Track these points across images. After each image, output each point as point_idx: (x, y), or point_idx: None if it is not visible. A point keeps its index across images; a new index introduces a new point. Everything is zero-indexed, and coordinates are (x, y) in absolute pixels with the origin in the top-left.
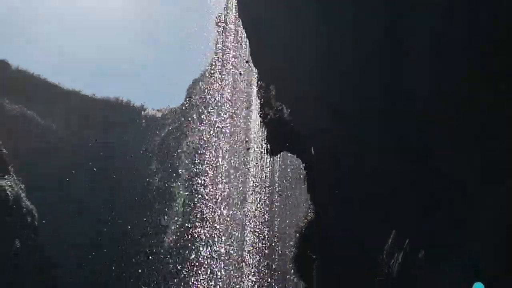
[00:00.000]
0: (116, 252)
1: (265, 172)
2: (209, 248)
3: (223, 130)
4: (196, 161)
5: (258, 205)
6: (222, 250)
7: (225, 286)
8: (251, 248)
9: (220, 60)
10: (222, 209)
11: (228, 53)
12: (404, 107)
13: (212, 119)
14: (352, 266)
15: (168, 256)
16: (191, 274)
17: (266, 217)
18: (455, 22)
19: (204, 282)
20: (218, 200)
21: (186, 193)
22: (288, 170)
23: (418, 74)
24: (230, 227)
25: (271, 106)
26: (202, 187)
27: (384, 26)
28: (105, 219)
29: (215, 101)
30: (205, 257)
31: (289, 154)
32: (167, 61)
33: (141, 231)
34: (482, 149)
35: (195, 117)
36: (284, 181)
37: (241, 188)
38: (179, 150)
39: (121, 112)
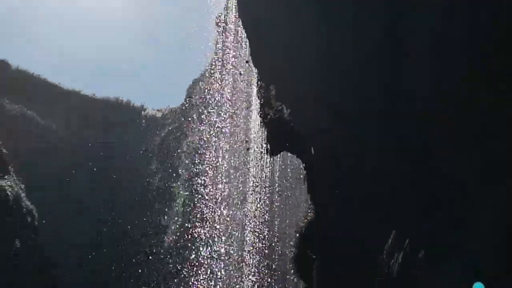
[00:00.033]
0: (116, 252)
1: (265, 172)
2: (209, 248)
3: (223, 130)
4: (196, 161)
5: (258, 205)
6: (222, 250)
7: (225, 286)
8: (251, 248)
9: (220, 60)
10: (222, 209)
11: (228, 53)
12: (404, 107)
13: (212, 119)
14: (352, 266)
15: (168, 256)
16: (191, 274)
17: (266, 217)
18: (455, 22)
19: (204, 282)
20: (218, 200)
21: (186, 193)
22: (288, 170)
23: (418, 74)
24: (230, 227)
25: (271, 106)
26: (202, 187)
27: (384, 26)
28: (105, 219)
29: (215, 101)
30: (205, 257)
31: (289, 154)
32: (167, 61)
33: (141, 231)
34: (482, 149)
35: (195, 117)
36: (284, 181)
37: (241, 188)
38: (179, 150)
39: (121, 112)
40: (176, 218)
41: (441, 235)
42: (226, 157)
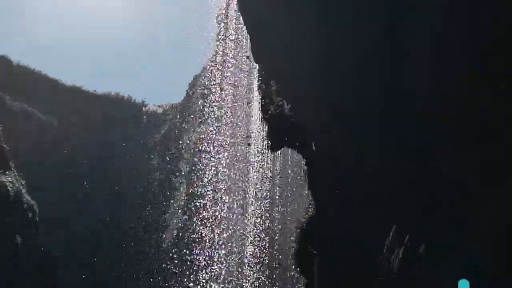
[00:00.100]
0: (116, 252)
1: (266, 167)
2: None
3: (224, 125)
4: (197, 156)
5: (259, 203)
6: (223, 252)
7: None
8: (252, 249)
9: (221, 55)
10: (222, 206)
11: (229, 48)
12: (404, 107)
13: (212, 114)
14: (352, 265)
15: (170, 254)
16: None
17: (267, 214)
18: (455, 22)
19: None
20: (218, 197)
21: (187, 187)
22: (289, 165)
23: (418, 74)
24: (230, 226)
25: (272, 101)
26: (203, 182)
27: (384, 26)
28: (107, 214)
29: (216, 96)
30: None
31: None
32: (167, 59)
33: (142, 228)
34: (482, 149)
35: (196, 113)
36: (286, 176)
37: (242, 183)
38: (180, 145)
39: (122, 108)
40: (177, 210)
41: (441, 235)
42: (227, 152)
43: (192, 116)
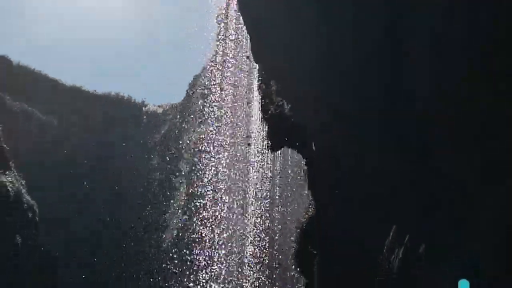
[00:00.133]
0: (116, 251)
1: (266, 167)
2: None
3: (224, 125)
4: (197, 156)
5: (259, 202)
6: (223, 252)
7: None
8: (252, 249)
9: (221, 55)
10: (222, 205)
11: (229, 48)
12: (404, 107)
13: (212, 114)
14: (352, 265)
15: (171, 254)
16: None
17: (267, 214)
18: (455, 22)
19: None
20: (218, 197)
21: (187, 186)
22: (289, 166)
23: (418, 74)
24: (231, 225)
25: (272, 101)
26: (203, 182)
27: (384, 26)
28: (107, 214)
29: (216, 96)
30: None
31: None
32: (167, 61)
33: (142, 227)
34: (482, 149)
35: (196, 113)
36: (286, 176)
37: (241, 183)
38: (180, 145)
39: (122, 108)
40: (177, 210)
41: (441, 235)
42: (227, 152)
43: (192, 116)
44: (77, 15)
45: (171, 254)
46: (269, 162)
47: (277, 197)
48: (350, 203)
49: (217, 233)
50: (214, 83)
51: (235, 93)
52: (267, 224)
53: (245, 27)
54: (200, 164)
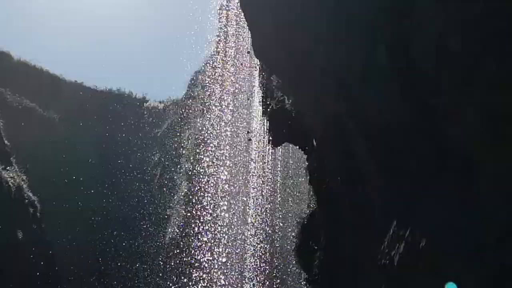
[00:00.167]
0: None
1: (267, 162)
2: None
3: (225, 121)
4: (198, 152)
5: (260, 198)
6: (224, 255)
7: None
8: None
9: (222, 50)
10: (223, 200)
11: (230, 43)
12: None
13: (214, 109)
14: (355, 260)
15: (171, 252)
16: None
17: (268, 208)
18: None
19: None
20: (219, 191)
21: (188, 184)
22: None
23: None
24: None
25: (273, 96)
26: (204, 178)
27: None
28: (107, 212)
29: (217, 91)
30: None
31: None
32: (168, 56)
33: (143, 224)
34: None
35: (197, 108)
36: (288, 171)
37: (243, 179)
38: (181, 142)
39: (123, 104)
40: (178, 206)
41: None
42: (228, 147)
43: (193, 111)
44: (78, 11)
45: (171, 252)
46: (270, 157)
47: (278, 193)
48: (351, 198)
49: (219, 224)
50: (215, 78)
51: (236, 89)
52: (267, 221)
53: (246, 21)
54: (201, 160)
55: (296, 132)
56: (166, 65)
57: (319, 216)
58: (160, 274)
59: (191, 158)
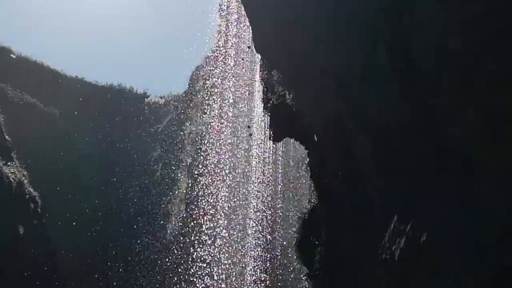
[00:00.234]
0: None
1: (268, 157)
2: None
3: (226, 116)
4: (199, 148)
5: (261, 193)
6: (224, 235)
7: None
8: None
9: (222, 45)
10: (223, 195)
11: (231, 38)
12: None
13: (215, 105)
14: (356, 256)
15: (172, 247)
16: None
17: (269, 203)
18: None
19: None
20: (220, 187)
21: (189, 180)
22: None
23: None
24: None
25: (273, 91)
26: (205, 173)
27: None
28: (109, 199)
29: (218, 86)
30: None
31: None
32: (169, 51)
33: (143, 221)
34: None
35: (198, 103)
36: (288, 166)
37: (243, 175)
38: (182, 137)
39: (124, 99)
40: (178, 201)
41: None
42: (229, 142)
43: (194, 107)
44: (78, 11)
45: (172, 248)
46: (271, 153)
47: (279, 189)
48: (351, 198)
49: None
50: (216, 73)
51: (236, 84)
52: (268, 217)
53: (247, 16)
54: (202, 155)
55: (297, 127)
56: (166, 63)
57: (320, 211)
58: (161, 272)
59: (192, 153)
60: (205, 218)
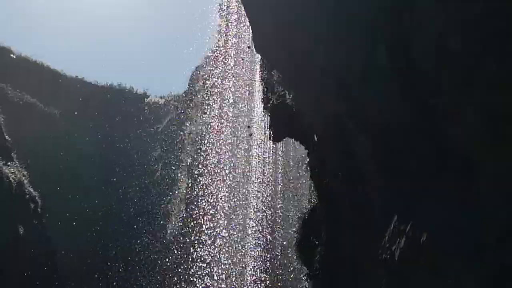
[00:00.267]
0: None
1: (268, 157)
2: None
3: (226, 116)
4: (199, 147)
5: (261, 192)
6: (224, 234)
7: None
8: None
9: (222, 45)
10: (223, 195)
11: (231, 38)
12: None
13: (215, 105)
14: (356, 255)
15: (172, 248)
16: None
17: (269, 203)
18: None
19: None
20: (220, 186)
21: (189, 180)
22: (291, 157)
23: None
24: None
25: (273, 91)
26: (204, 173)
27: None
28: (108, 209)
29: (218, 86)
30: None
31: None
32: (169, 51)
33: (143, 221)
34: None
35: (198, 104)
36: (288, 167)
37: (243, 175)
38: (182, 137)
39: (124, 99)
40: (179, 204)
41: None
42: (229, 142)
43: (194, 107)
44: (78, 11)
45: (173, 247)
46: (271, 153)
47: (279, 188)
48: (351, 198)
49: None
50: (216, 73)
51: (236, 84)
52: (269, 217)
53: (247, 17)
54: (202, 155)
55: (297, 127)
56: (166, 63)
57: (320, 211)
58: (161, 272)
59: (192, 153)
60: (205, 218)
